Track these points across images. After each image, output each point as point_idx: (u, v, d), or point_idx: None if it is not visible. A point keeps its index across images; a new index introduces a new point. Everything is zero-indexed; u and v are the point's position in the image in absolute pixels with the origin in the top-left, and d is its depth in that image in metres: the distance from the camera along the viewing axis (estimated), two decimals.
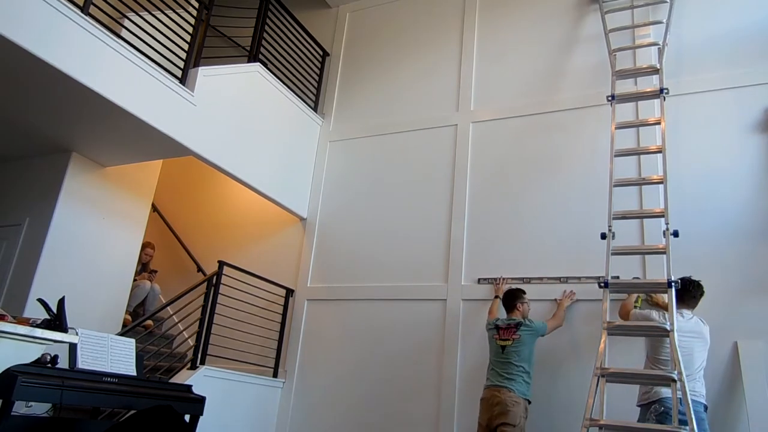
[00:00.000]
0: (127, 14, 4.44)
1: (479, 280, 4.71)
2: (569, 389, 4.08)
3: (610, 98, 4.49)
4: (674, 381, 3.14)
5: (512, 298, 4.18)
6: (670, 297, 3.45)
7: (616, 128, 4.37)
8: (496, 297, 4.47)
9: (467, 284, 4.76)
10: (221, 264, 4.85)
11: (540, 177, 4.87)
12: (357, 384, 4.96)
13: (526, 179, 4.92)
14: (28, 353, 2.95)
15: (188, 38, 4.69)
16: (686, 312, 3.60)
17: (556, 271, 4.50)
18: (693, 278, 3.68)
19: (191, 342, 4.88)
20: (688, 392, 3.08)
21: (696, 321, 3.58)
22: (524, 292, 4.21)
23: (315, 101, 6.18)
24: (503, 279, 4.59)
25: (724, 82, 4.48)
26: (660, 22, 4.73)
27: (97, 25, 3.87)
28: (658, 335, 3.49)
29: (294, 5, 6.19)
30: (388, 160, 5.62)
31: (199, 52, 4.79)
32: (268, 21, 5.56)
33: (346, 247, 5.49)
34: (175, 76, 4.47)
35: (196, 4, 4.87)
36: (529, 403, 3.82)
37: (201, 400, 3.64)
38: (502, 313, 4.27)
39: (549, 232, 4.66)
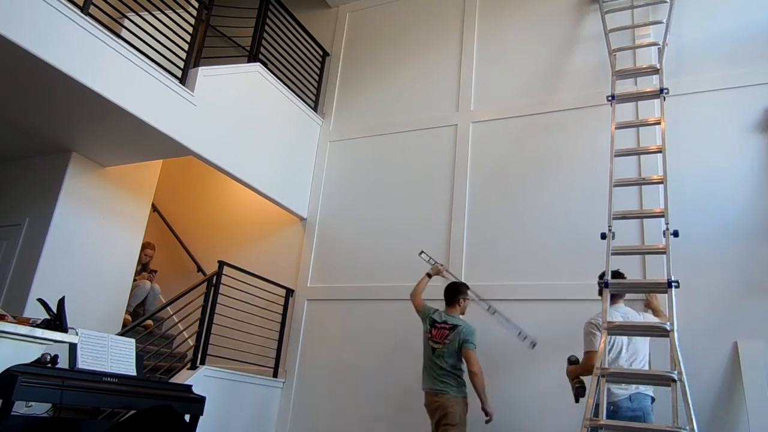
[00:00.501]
0: (127, 14, 4.44)
1: (420, 252, 4.66)
2: (568, 389, 4.07)
3: (610, 98, 4.49)
4: (674, 381, 3.14)
5: (455, 292, 4.18)
6: (670, 297, 3.45)
7: (616, 128, 4.37)
8: (428, 275, 4.40)
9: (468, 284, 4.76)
10: (221, 264, 4.85)
11: (540, 177, 4.87)
12: (357, 384, 4.96)
13: (526, 179, 4.92)
14: (28, 353, 2.95)
15: (188, 38, 4.69)
16: (621, 307, 3.69)
17: (555, 271, 4.50)
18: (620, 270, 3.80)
19: (191, 342, 4.88)
20: (688, 393, 3.07)
21: (630, 315, 3.64)
22: (468, 287, 4.26)
23: (315, 101, 6.19)
24: (444, 268, 4.53)
25: (724, 82, 4.48)
26: (660, 22, 4.73)
27: (97, 25, 3.87)
28: (659, 335, 3.48)
29: (294, 5, 6.19)
30: (388, 160, 5.62)
31: (199, 52, 4.79)
32: (268, 21, 5.57)
33: (346, 247, 5.49)
34: (175, 76, 4.47)
35: (196, 4, 4.87)
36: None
37: (201, 400, 3.64)
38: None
39: (549, 232, 4.66)
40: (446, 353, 3.94)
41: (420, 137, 5.54)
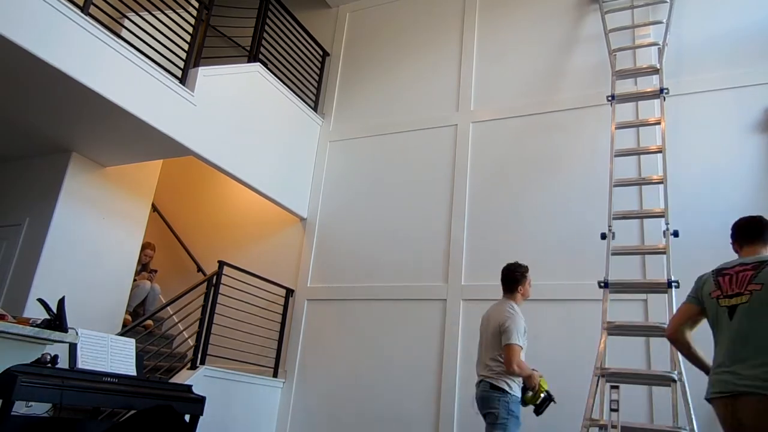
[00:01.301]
0: (127, 14, 4.44)
1: None
2: (569, 389, 4.07)
3: (610, 98, 4.49)
4: (674, 381, 3.14)
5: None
6: (670, 297, 3.45)
7: (616, 128, 4.37)
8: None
9: (467, 284, 4.76)
10: (221, 264, 4.85)
11: (540, 177, 4.87)
12: (357, 384, 4.96)
13: (526, 179, 4.92)
14: (28, 353, 2.95)
15: (188, 38, 4.69)
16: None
17: (555, 271, 4.50)
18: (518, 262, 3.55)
19: (191, 342, 4.88)
20: (688, 393, 3.07)
21: (499, 308, 3.44)
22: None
23: (315, 101, 6.18)
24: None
25: (724, 82, 4.48)
26: (660, 22, 4.73)
27: (97, 25, 3.87)
28: (658, 335, 3.48)
29: (294, 5, 6.19)
30: (388, 160, 5.62)
31: (199, 52, 4.79)
32: (268, 21, 5.56)
33: (346, 247, 5.49)
34: (175, 76, 4.47)
35: (196, 4, 4.87)
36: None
37: (201, 400, 3.64)
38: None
39: (549, 232, 4.66)
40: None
41: (420, 137, 5.54)
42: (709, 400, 2.27)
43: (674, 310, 3.41)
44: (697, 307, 2.49)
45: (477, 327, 4.64)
